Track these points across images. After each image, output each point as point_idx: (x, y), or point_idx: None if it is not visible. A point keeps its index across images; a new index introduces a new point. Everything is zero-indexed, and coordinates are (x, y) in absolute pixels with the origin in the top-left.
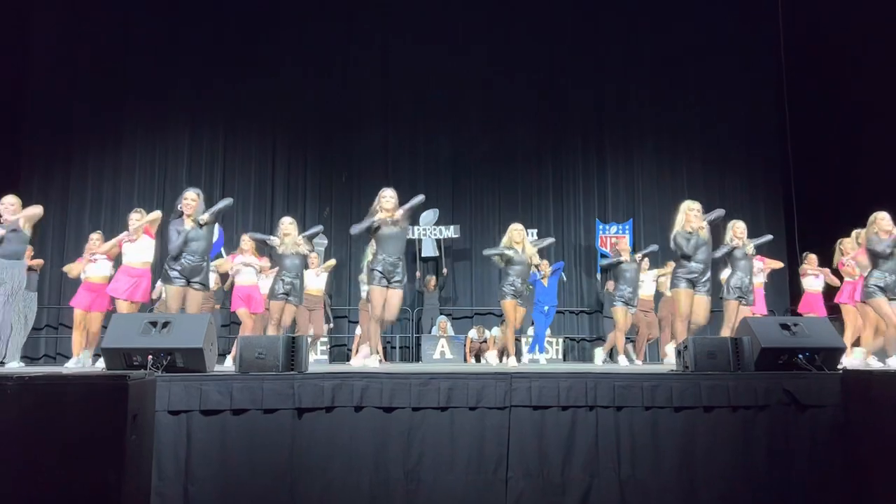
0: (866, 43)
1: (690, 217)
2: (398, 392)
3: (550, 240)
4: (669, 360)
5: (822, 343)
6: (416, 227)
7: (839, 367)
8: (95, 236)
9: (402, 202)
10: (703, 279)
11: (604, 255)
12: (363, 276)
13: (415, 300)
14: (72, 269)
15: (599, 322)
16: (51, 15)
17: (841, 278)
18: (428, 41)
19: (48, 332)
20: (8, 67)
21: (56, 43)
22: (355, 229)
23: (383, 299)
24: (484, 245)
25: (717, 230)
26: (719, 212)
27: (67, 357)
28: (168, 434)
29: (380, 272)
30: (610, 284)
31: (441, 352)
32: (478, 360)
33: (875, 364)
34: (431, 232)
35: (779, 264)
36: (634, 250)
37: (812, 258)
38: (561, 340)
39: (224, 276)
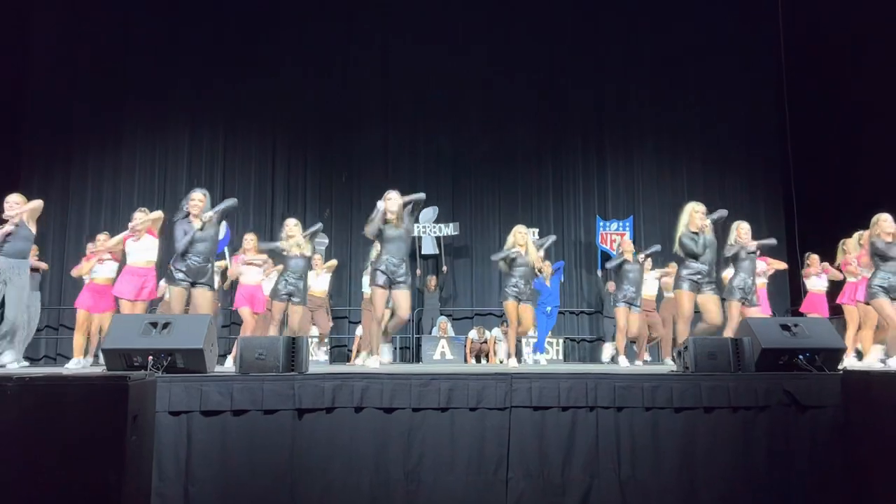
0: (866, 43)
1: (695, 218)
2: (398, 393)
3: (552, 238)
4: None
5: (823, 344)
6: (415, 225)
7: (840, 367)
8: (102, 237)
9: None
10: (708, 280)
11: (605, 253)
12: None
13: (415, 300)
14: (81, 269)
15: (600, 322)
16: (51, 15)
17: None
18: (428, 41)
19: (48, 333)
20: (8, 67)
21: (56, 43)
22: (372, 228)
23: (385, 301)
24: (484, 245)
25: (718, 231)
26: (722, 212)
27: (68, 358)
28: (168, 435)
29: (383, 272)
30: (610, 285)
31: (441, 352)
32: (478, 360)
33: (875, 364)
34: (431, 230)
35: (783, 265)
36: (636, 251)
37: (814, 259)
38: (561, 341)
39: (223, 276)
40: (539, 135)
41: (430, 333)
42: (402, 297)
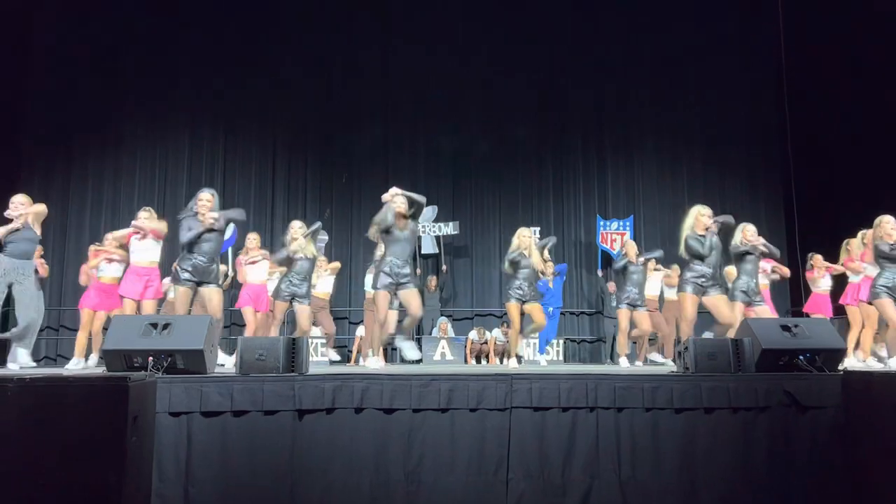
0: (866, 43)
1: (701, 221)
2: (399, 393)
3: (552, 239)
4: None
5: (823, 344)
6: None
7: (840, 368)
8: (111, 236)
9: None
10: (713, 283)
11: (605, 253)
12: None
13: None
14: (87, 271)
15: (600, 323)
16: (51, 15)
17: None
18: (428, 41)
19: (49, 334)
20: (8, 68)
21: (56, 43)
22: (382, 223)
23: (388, 303)
24: (484, 245)
25: (721, 235)
26: (729, 218)
27: (68, 359)
28: (168, 435)
29: (387, 274)
30: (611, 285)
31: (441, 353)
32: (478, 361)
33: (875, 365)
34: (430, 229)
35: (786, 272)
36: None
37: (818, 258)
38: (561, 342)
39: (224, 277)
40: (539, 135)
41: (431, 334)
42: (412, 295)
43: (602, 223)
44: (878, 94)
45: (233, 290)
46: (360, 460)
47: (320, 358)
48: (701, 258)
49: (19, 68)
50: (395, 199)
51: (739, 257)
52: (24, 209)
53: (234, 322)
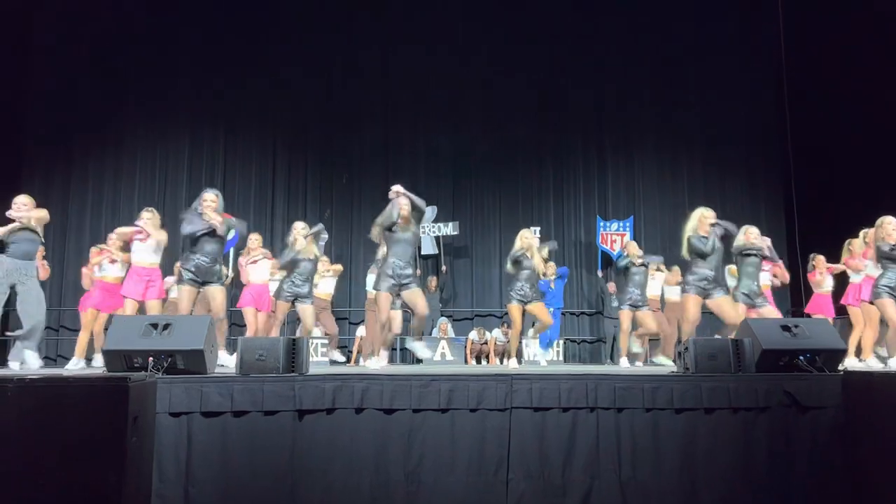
0: (866, 43)
1: (704, 223)
2: (399, 394)
3: (552, 244)
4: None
5: (823, 344)
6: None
7: (840, 368)
8: (118, 231)
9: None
10: (716, 285)
11: (605, 254)
12: (373, 268)
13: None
14: (90, 272)
15: (600, 323)
16: (51, 15)
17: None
18: (428, 41)
19: (49, 334)
20: (8, 68)
21: (56, 43)
22: (385, 222)
23: (390, 305)
24: (484, 246)
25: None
26: (731, 225)
27: (68, 359)
28: (169, 436)
29: (389, 276)
30: (611, 286)
31: (441, 353)
32: (478, 361)
33: (876, 365)
34: (430, 229)
35: (786, 278)
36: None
37: (820, 259)
38: (561, 342)
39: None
40: (539, 135)
41: (431, 334)
42: (416, 296)
43: (602, 224)
44: (878, 95)
45: (234, 289)
46: (361, 460)
47: (320, 358)
48: (704, 256)
49: (19, 68)
50: (401, 198)
51: (741, 259)
52: (27, 210)
53: (234, 322)
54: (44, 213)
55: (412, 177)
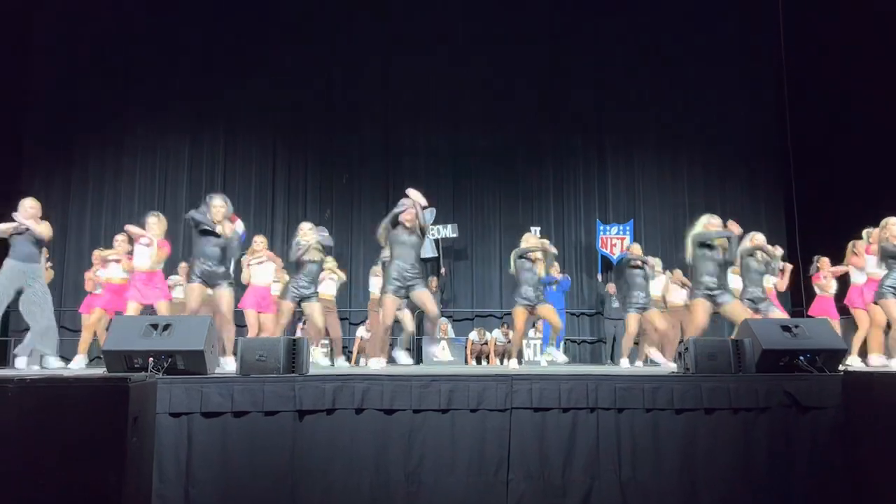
0: (866, 43)
1: (710, 228)
2: (399, 394)
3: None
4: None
5: (823, 345)
6: None
7: (840, 368)
8: (121, 238)
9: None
10: (722, 291)
11: (605, 258)
12: (375, 269)
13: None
14: (93, 280)
15: (600, 324)
16: (51, 15)
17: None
18: (428, 41)
19: None
20: (8, 68)
21: (56, 43)
22: (387, 223)
23: (396, 308)
24: (484, 246)
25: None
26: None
27: (67, 359)
28: (169, 436)
29: (395, 279)
30: (610, 287)
31: (442, 354)
32: (479, 361)
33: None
34: (429, 231)
35: (782, 287)
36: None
37: (825, 261)
38: (561, 342)
39: None
40: (539, 135)
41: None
42: (424, 296)
43: (602, 228)
44: (878, 94)
45: (236, 289)
46: (361, 461)
47: (321, 359)
48: (710, 247)
49: (19, 68)
50: (411, 208)
51: (746, 265)
52: (34, 213)
53: (235, 323)
54: (48, 231)
55: (412, 177)
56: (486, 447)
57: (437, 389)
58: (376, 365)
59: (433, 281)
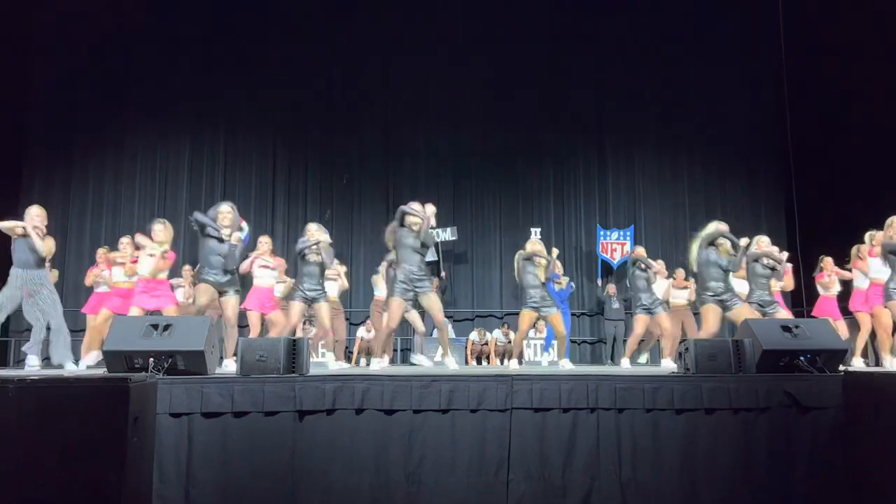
0: (866, 43)
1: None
2: (399, 394)
3: (555, 254)
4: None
5: (824, 345)
6: None
7: (840, 368)
8: (126, 240)
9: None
10: (730, 295)
11: (605, 262)
12: (377, 276)
13: (416, 303)
14: (99, 275)
15: (601, 324)
16: (51, 15)
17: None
18: (428, 42)
19: (47, 335)
20: (8, 68)
21: (56, 43)
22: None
23: (402, 312)
24: (484, 248)
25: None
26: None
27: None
28: (169, 436)
29: (402, 282)
30: (610, 287)
31: (442, 354)
32: (479, 362)
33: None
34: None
35: (791, 283)
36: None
37: (828, 261)
38: (568, 351)
39: None
40: (539, 136)
41: (431, 335)
42: (432, 300)
43: (602, 233)
44: (878, 94)
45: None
46: (361, 461)
47: (321, 359)
48: (715, 251)
49: (19, 68)
50: (422, 218)
51: (752, 270)
52: (40, 221)
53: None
54: (51, 247)
55: (412, 177)
56: (487, 447)
57: (437, 390)
58: (377, 365)
59: (434, 281)
